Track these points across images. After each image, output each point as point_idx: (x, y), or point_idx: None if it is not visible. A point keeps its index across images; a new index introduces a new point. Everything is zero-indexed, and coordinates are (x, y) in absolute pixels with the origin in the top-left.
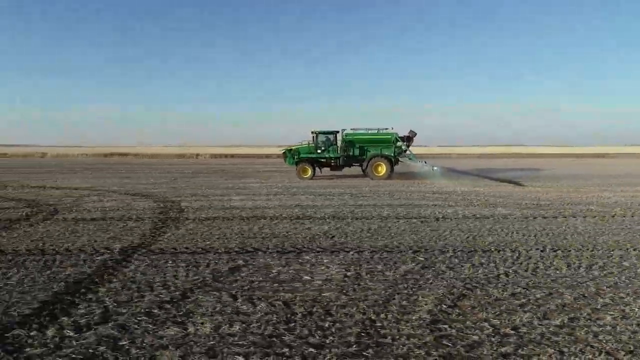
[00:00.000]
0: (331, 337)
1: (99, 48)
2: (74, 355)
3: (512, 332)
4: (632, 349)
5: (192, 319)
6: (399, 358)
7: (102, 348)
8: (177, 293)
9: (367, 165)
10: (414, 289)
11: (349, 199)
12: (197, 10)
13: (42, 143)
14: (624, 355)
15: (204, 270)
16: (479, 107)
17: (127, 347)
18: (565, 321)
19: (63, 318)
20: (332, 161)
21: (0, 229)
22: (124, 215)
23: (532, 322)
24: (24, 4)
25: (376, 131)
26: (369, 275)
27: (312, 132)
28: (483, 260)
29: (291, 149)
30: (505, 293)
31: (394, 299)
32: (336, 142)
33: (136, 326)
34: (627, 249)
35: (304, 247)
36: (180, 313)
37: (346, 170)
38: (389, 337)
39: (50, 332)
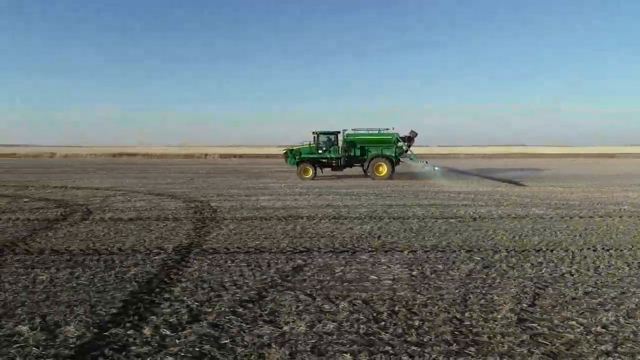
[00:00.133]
0: (427, 336)
1: (99, 48)
2: (182, 354)
3: (604, 330)
4: None
5: (281, 318)
6: (503, 356)
7: (207, 347)
8: (253, 293)
9: (368, 166)
10: (485, 288)
11: (375, 198)
12: (197, 10)
13: (42, 143)
14: None
15: (268, 270)
16: (479, 107)
17: (230, 346)
18: None
19: (152, 317)
20: (333, 161)
21: (44, 229)
22: (159, 215)
23: (618, 320)
24: (24, 4)
25: (377, 131)
26: (434, 275)
27: (313, 133)
28: (540, 260)
29: (292, 150)
30: (578, 292)
31: (469, 298)
32: (337, 143)
33: (229, 325)
34: None
35: (356, 247)
36: (266, 312)
37: (347, 171)
38: (484, 336)
39: (147, 331)
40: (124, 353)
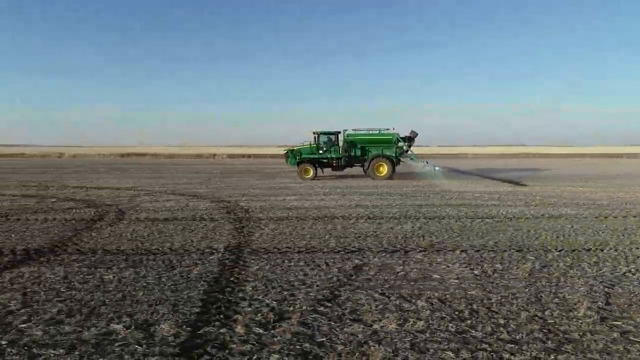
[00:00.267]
0: (518, 334)
1: (99, 48)
2: (286, 351)
3: None
4: None
5: (365, 317)
6: (602, 353)
7: (307, 345)
8: (326, 292)
9: (368, 166)
10: (554, 287)
11: (401, 198)
12: (197, 10)
13: (42, 143)
14: None
15: (330, 270)
16: (479, 107)
17: (329, 344)
18: None
19: (237, 316)
20: (334, 161)
21: (85, 229)
22: (194, 216)
23: None
24: (24, 4)
25: (377, 131)
26: (497, 274)
27: (314, 133)
28: (595, 260)
29: (293, 150)
30: None
31: (542, 297)
32: (338, 143)
33: (317, 323)
34: None
35: (406, 247)
36: (347, 310)
37: (347, 171)
38: (575, 334)
39: (239, 330)
40: (226, 351)
